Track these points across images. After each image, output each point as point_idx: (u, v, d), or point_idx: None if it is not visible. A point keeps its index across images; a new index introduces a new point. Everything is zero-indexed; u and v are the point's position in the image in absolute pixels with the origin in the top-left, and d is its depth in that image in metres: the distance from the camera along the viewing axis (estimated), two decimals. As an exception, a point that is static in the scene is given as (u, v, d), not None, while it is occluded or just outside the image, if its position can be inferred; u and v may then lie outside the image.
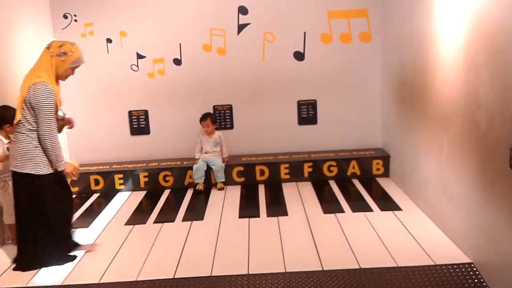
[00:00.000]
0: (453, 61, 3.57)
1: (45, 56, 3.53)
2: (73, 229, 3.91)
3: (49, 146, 3.47)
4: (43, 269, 3.61)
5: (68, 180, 3.79)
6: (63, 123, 3.80)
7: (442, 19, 3.76)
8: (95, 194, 5.50)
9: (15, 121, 3.55)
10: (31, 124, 3.47)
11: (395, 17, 5.12)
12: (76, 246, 3.88)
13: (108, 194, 5.46)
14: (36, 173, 3.50)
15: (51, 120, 3.46)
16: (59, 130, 3.71)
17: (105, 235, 4.29)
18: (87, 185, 5.53)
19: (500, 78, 2.87)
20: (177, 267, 3.54)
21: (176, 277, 3.39)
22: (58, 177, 3.64)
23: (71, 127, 3.93)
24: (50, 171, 3.55)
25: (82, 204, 5.17)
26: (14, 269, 3.63)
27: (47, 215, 3.58)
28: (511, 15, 2.71)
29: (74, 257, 3.76)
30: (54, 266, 3.63)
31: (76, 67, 3.63)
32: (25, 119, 3.48)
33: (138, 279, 3.39)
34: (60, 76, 3.59)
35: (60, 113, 3.71)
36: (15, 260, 3.71)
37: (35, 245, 3.61)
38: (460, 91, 3.45)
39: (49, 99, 3.42)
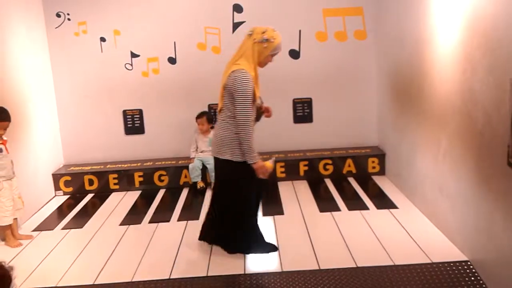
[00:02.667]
0: (449, 59, 3.56)
1: (247, 43, 3.44)
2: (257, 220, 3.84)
3: (242, 134, 3.37)
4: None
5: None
6: (261, 111, 3.74)
7: (438, 17, 3.75)
8: (89, 194, 5.45)
9: (218, 108, 3.54)
10: (231, 112, 3.42)
11: (390, 15, 5.11)
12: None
13: (102, 194, 5.41)
14: (233, 160, 3.44)
15: (248, 108, 3.35)
16: (258, 119, 3.68)
17: (100, 235, 4.25)
18: (81, 185, 5.48)
19: (496, 76, 2.86)
20: (172, 267, 3.52)
21: (171, 277, 3.37)
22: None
23: (269, 116, 3.81)
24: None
25: (76, 205, 5.13)
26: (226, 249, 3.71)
27: (239, 203, 3.57)
28: (506, 13, 2.70)
29: (268, 245, 3.72)
30: (257, 254, 3.64)
31: (275, 54, 3.51)
32: (226, 106, 3.45)
33: (133, 280, 3.36)
34: (260, 63, 3.51)
35: (258, 101, 3.64)
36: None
37: (229, 230, 3.67)
38: (457, 89, 3.44)
39: (248, 87, 3.33)
